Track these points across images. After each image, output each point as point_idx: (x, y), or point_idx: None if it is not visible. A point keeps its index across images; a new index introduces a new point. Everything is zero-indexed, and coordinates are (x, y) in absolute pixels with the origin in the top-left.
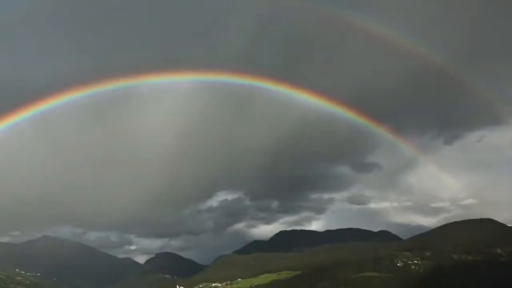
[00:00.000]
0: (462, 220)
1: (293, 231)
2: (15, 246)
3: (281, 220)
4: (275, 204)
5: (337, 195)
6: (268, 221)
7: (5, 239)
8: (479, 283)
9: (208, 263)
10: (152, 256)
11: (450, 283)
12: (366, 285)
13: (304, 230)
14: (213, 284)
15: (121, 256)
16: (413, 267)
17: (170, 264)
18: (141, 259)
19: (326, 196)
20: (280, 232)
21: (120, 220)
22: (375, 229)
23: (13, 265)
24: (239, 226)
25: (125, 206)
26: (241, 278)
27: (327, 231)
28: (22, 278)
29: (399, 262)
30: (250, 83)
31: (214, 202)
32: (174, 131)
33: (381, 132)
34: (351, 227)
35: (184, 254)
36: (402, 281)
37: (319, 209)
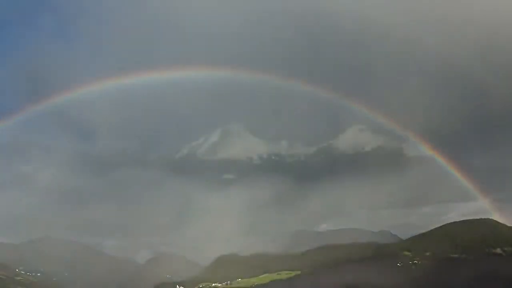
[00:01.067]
0: (462, 220)
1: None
2: (15, 246)
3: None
4: None
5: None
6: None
7: (5, 239)
8: (479, 283)
9: (208, 263)
10: (152, 256)
11: (450, 283)
12: (366, 285)
13: (304, 230)
14: (213, 284)
15: (122, 256)
16: (413, 267)
17: (170, 264)
18: (141, 259)
19: None
20: None
21: None
22: (376, 229)
23: (13, 265)
24: None
25: None
26: (241, 278)
27: (328, 231)
28: (22, 278)
29: (399, 262)
30: None
31: None
32: None
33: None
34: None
35: (184, 254)
36: (402, 281)
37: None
